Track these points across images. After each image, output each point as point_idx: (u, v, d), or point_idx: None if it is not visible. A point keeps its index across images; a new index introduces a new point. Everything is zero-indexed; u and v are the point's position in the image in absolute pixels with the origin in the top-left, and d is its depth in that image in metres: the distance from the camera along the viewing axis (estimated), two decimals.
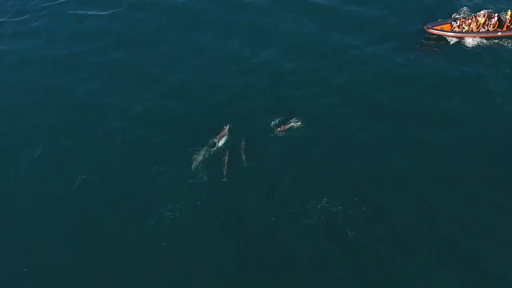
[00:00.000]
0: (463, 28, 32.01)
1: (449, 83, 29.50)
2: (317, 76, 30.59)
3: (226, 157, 25.19)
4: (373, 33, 33.56)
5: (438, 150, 25.27)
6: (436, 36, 32.37)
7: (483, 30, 32.05)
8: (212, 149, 25.93)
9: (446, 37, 32.30)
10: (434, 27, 32.21)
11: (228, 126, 26.72)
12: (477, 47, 31.79)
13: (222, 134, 26.41)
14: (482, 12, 32.68)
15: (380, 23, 34.37)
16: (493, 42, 31.92)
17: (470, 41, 32.07)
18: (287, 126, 26.59)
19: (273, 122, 27.10)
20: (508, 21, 31.98)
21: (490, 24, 31.98)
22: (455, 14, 33.62)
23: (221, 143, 26.07)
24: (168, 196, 24.10)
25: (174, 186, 24.51)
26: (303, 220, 22.47)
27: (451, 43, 32.25)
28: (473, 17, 32.38)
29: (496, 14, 32.19)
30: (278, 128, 26.53)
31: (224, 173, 24.71)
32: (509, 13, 31.99)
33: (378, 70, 30.58)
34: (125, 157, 26.68)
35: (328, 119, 27.55)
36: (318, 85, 29.91)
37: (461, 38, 32.13)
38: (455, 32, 32.04)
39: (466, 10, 33.98)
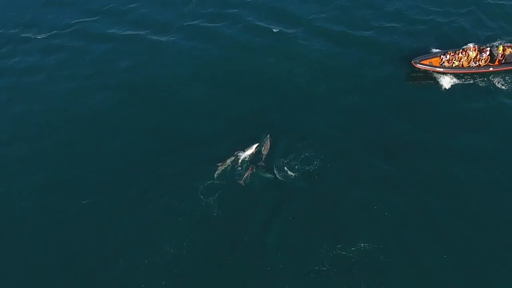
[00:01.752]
0: (453, 62, 29.41)
1: (442, 124, 27.01)
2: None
3: (252, 168, 24.48)
4: (352, 78, 30.34)
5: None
6: (424, 71, 29.68)
7: (474, 65, 29.54)
8: (236, 165, 24.82)
9: (434, 72, 29.66)
10: (422, 62, 29.51)
11: (256, 145, 25.34)
12: (468, 83, 29.24)
13: (249, 151, 25.21)
14: (471, 45, 30.29)
15: (363, 63, 31.21)
16: (485, 79, 29.38)
17: (460, 77, 29.53)
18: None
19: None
20: (500, 55, 29.60)
21: (482, 59, 29.50)
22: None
23: (246, 156, 25.06)
24: (173, 231, 22.56)
25: (182, 218, 23.00)
26: (315, 267, 20.83)
27: (440, 78, 29.56)
28: (464, 50, 29.88)
29: (488, 48, 29.76)
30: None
31: (243, 177, 24.02)
32: (501, 48, 29.65)
33: (360, 114, 27.88)
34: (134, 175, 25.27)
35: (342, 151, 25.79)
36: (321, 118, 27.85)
37: (450, 73, 29.55)
38: (444, 67, 29.39)
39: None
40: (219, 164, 24.50)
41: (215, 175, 24.15)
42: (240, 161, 24.82)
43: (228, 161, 24.66)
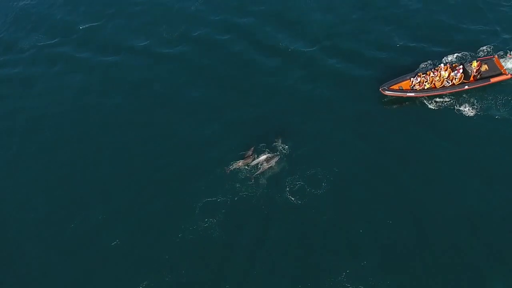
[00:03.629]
0: (425, 85, 26.75)
1: (422, 159, 24.51)
2: None
3: (269, 162, 24.20)
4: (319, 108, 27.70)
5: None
6: (394, 97, 26.99)
7: (448, 84, 26.91)
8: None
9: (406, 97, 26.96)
10: (391, 87, 26.79)
11: (267, 155, 24.67)
12: (443, 105, 26.52)
13: (264, 156, 24.64)
14: (442, 65, 27.58)
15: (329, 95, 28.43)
16: (461, 98, 26.71)
17: (434, 99, 26.84)
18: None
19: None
20: (474, 71, 27.03)
21: (455, 77, 26.89)
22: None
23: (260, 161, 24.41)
24: (171, 255, 21.29)
25: (179, 240, 21.63)
26: None
27: (412, 104, 26.88)
28: (435, 70, 27.25)
29: (460, 66, 27.15)
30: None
31: (256, 173, 23.68)
32: (474, 63, 27.04)
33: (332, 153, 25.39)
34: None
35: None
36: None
37: (423, 96, 26.86)
38: (416, 91, 26.70)
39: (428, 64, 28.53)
40: (238, 162, 24.29)
41: (228, 171, 23.93)
42: (253, 165, 24.25)
43: (247, 160, 24.37)
